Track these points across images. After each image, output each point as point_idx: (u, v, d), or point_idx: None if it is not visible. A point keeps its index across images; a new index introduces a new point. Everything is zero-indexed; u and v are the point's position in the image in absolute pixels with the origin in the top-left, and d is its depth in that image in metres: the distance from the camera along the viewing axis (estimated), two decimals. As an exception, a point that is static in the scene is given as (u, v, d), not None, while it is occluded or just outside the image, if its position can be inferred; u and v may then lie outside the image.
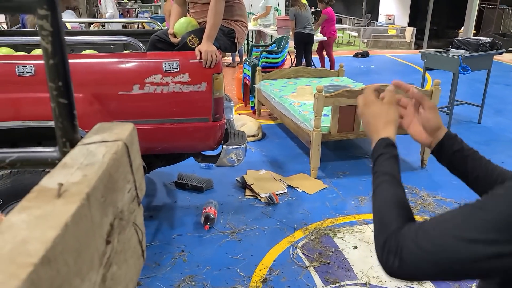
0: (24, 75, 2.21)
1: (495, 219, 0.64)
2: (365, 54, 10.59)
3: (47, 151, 0.72)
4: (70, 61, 2.22)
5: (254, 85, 5.59)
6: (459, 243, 0.65)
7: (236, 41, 2.87)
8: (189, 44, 2.62)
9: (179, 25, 2.73)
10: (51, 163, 0.68)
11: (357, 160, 4.34)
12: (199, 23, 2.83)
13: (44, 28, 0.57)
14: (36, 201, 0.47)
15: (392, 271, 0.72)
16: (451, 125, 5.15)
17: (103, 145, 0.63)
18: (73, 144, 0.67)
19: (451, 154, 0.94)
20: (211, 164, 3.14)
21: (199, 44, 2.57)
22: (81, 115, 2.54)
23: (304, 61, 7.34)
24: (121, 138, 0.67)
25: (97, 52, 2.83)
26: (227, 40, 2.81)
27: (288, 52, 6.77)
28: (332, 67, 7.45)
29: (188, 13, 2.99)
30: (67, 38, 3.22)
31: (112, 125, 0.72)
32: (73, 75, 2.33)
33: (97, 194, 0.53)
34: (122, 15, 10.74)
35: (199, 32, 2.65)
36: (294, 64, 7.57)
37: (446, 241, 0.66)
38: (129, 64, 2.37)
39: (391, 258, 0.71)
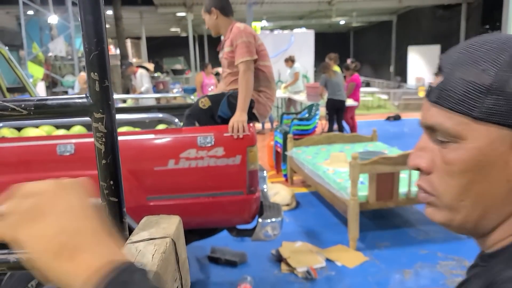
0: (65, 154, 2.26)
1: None
2: (397, 117, 10.51)
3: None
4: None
5: (286, 153, 5.56)
6: None
7: (254, 111, 2.67)
8: (200, 106, 2.67)
9: None
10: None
11: (398, 229, 4.12)
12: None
13: (99, 130, 0.58)
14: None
15: None
16: None
17: (151, 243, 0.60)
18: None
19: None
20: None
21: (210, 105, 2.63)
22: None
23: (336, 126, 7.34)
24: (169, 233, 0.64)
25: (133, 128, 2.90)
26: None
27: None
28: (354, 131, 7.45)
29: None
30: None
31: (159, 219, 0.70)
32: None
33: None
34: (155, 87, 11.25)
35: (212, 96, 2.73)
36: (325, 130, 7.56)
37: None
38: (164, 140, 2.39)
39: None
